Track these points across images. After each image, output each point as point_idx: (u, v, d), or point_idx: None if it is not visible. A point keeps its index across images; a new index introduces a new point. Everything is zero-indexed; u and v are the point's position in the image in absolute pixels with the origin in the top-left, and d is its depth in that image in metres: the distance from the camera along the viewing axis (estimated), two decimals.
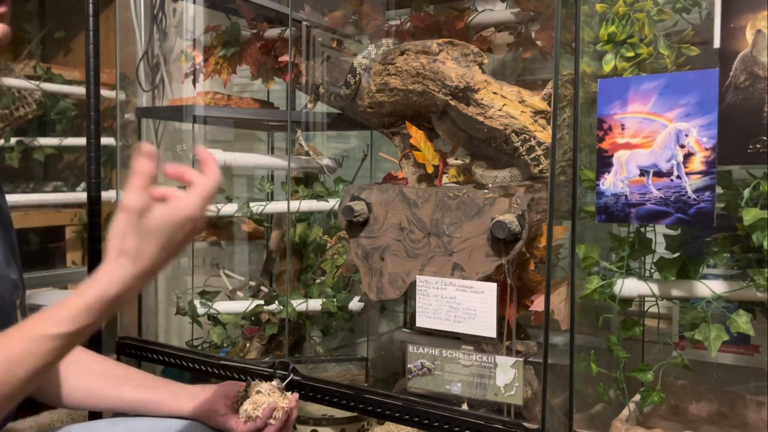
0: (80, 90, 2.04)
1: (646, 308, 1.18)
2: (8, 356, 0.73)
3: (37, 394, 1.09)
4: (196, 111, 1.59)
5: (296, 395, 1.14)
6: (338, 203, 1.37)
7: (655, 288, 1.07)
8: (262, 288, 1.73)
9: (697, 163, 0.92)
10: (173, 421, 1.08)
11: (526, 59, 1.47)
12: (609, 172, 0.98)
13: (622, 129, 0.97)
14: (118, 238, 0.75)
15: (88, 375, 1.10)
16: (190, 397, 1.09)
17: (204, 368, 1.40)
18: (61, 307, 0.74)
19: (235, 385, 1.12)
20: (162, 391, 1.10)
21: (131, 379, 1.11)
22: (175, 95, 1.81)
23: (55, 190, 2.17)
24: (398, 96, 1.27)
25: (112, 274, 0.75)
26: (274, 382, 1.14)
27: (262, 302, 1.59)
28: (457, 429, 1.11)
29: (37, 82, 1.96)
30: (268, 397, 1.08)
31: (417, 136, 1.26)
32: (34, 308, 0.93)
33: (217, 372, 1.39)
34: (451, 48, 1.22)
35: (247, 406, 1.07)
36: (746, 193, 0.98)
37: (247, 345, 1.66)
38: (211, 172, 0.80)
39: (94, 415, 1.41)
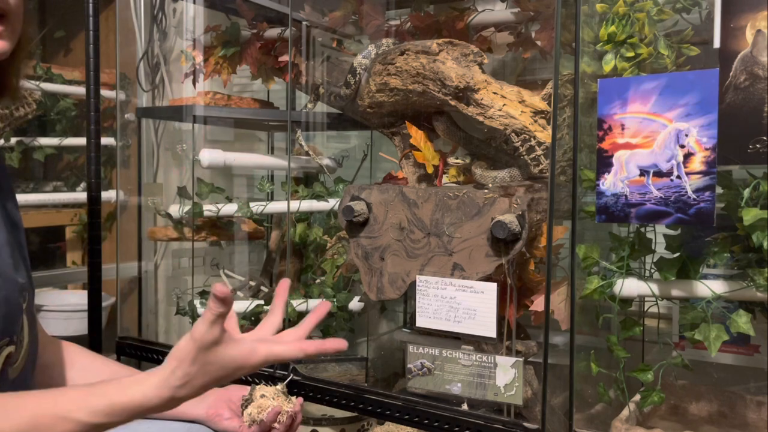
0: (80, 90, 2.04)
1: (646, 308, 1.18)
2: (34, 423, 0.74)
3: None
4: (196, 111, 1.59)
5: (301, 399, 1.14)
6: (338, 203, 1.37)
7: (655, 288, 1.07)
8: (262, 288, 1.73)
9: (697, 163, 0.92)
10: (178, 424, 1.08)
11: (526, 59, 1.47)
12: (609, 172, 0.98)
13: (622, 129, 0.97)
14: (179, 358, 0.77)
15: (91, 377, 1.10)
16: (196, 400, 1.09)
17: None
18: (103, 398, 0.76)
19: (239, 388, 1.12)
20: None
21: None
22: (175, 95, 1.81)
23: (55, 190, 2.17)
24: (398, 96, 1.27)
25: (160, 390, 0.77)
26: (278, 386, 1.14)
27: (262, 302, 1.59)
28: (457, 429, 1.11)
29: (37, 82, 1.96)
30: (272, 401, 1.08)
31: (417, 136, 1.26)
32: (37, 309, 0.93)
33: None
34: (451, 48, 1.22)
35: (251, 409, 1.07)
36: (746, 193, 0.98)
37: None
38: (295, 344, 0.83)
39: None
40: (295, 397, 1.15)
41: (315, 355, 0.85)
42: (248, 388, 1.12)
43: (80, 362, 1.11)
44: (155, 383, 0.77)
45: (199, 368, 0.77)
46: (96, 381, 1.10)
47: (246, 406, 1.08)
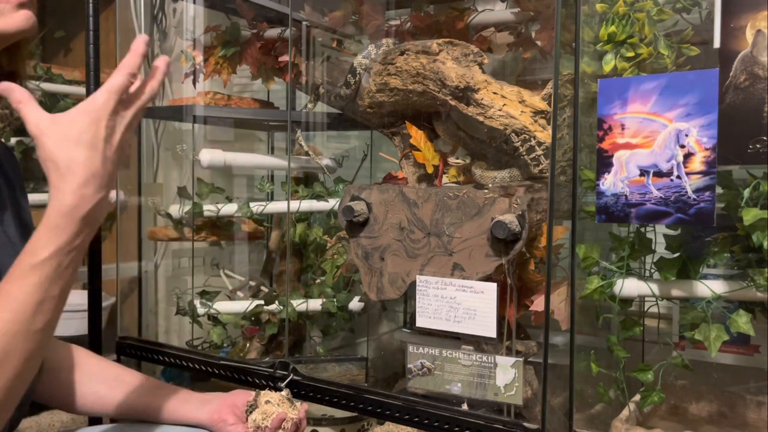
0: (80, 90, 2.04)
1: (646, 308, 1.18)
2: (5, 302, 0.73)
3: (48, 399, 1.08)
4: (196, 111, 1.59)
5: (305, 406, 1.13)
6: (338, 203, 1.37)
7: (655, 288, 1.07)
8: (262, 288, 1.73)
9: (697, 163, 0.92)
10: (182, 428, 1.08)
11: (526, 59, 1.47)
12: (609, 172, 0.98)
13: (622, 129, 0.97)
14: (46, 158, 0.74)
15: (98, 381, 1.10)
16: (200, 405, 1.09)
17: (204, 368, 1.40)
18: (30, 241, 0.75)
19: (244, 394, 1.12)
20: (172, 398, 1.09)
21: (141, 386, 1.11)
22: (175, 95, 1.81)
23: None
24: (398, 96, 1.27)
25: (58, 189, 0.74)
26: (283, 392, 1.13)
27: (262, 302, 1.59)
28: (457, 429, 1.11)
29: (37, 82, 1.96)
30: (277, 408, 1.08)
31: (417, 136, 1.26)
32: None
33: (217, 372, 1.39)
34: (451, 48, 1.22)
35: (256, 415, 1.07)
36: (746, 193, 0.98)
37: (247, 345, 1.66)
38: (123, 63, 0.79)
39: (94, 418, 1.40)
40: (300, 403, 1.14)
41: (136, 63, 0.79)
42: (253, 393, 1.12)
43: (88, 365, 1.11)
44: (52, 190, 0.74)
45: (60, 145, 0.74)
46: (104, 385, 1.10)
47: (250, 412, 1.07)
